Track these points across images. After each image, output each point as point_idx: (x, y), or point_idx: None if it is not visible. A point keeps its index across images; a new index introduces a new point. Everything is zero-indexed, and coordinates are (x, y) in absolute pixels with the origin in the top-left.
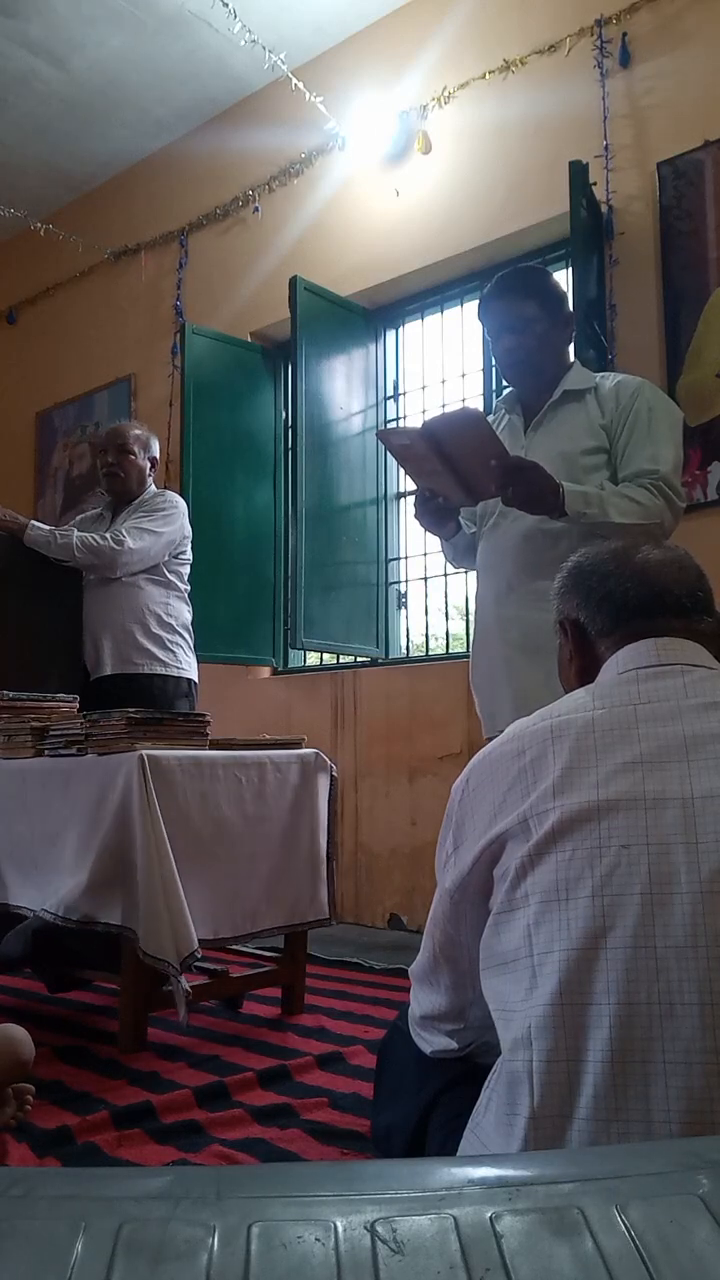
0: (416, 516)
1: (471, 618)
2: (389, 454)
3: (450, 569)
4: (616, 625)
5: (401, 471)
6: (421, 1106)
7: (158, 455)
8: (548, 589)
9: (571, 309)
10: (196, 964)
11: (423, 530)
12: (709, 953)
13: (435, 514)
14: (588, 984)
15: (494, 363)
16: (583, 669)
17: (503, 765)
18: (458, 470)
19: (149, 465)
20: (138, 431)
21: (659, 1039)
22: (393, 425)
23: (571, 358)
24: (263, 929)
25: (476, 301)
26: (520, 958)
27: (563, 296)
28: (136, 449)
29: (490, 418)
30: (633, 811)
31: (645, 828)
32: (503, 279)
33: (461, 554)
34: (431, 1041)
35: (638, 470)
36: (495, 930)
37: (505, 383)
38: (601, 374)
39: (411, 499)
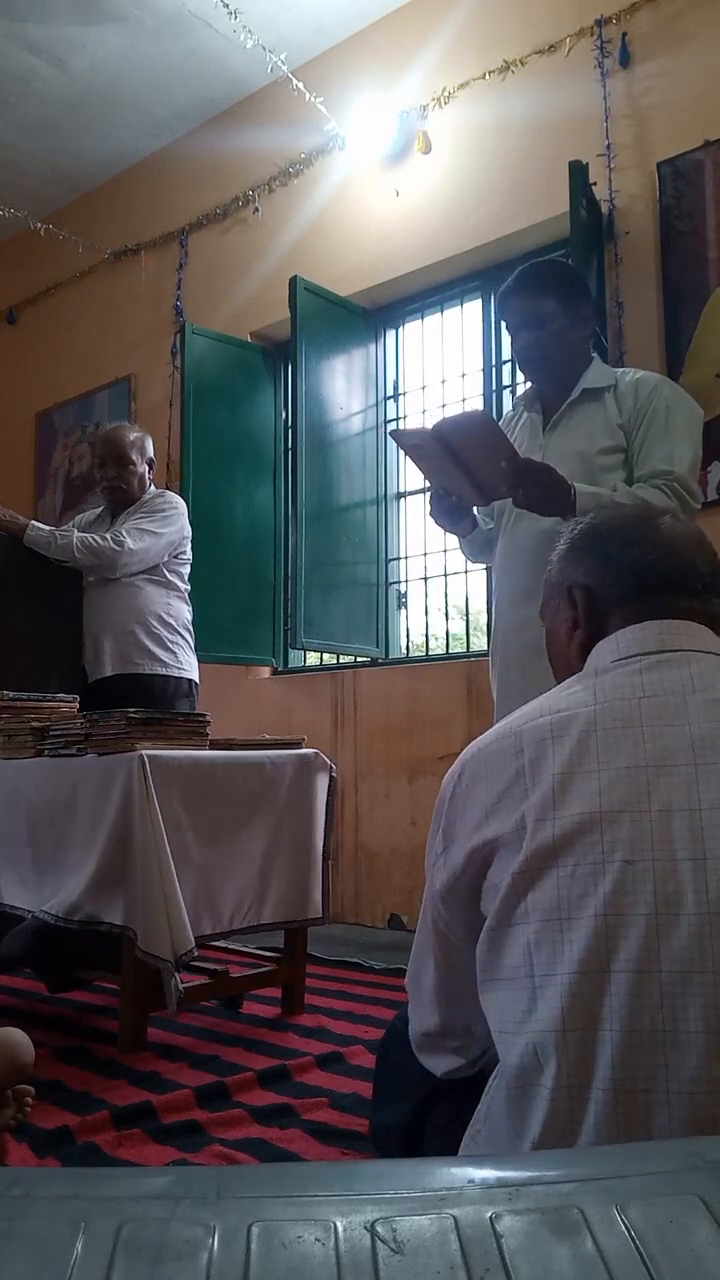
0: (431, 514)
1: (472, 617)
2: (400, 453)
3: (450, 569)
4: (635, 597)
5: (401, 472)
6: (420, 1107)
7: (153, 455)
8: None
9: (593, 305)
10: (196, 964)
11: (430, 529)
12: (716, 978)
13: (450, 512)
14: (590, 1009)
15: (495, 360)
16: (588, 642)
17: (499, 762)
18: (469, 471)
19: (147, 468)
20: (133, 437)
21: (662, 1067)
22: (399, 425)
23: (591, 354)
24: (260, 923)
25: (477, 301)
26: (519, 976)
27: (584, 292)
28: (135, 457)
29: (509, 413)
30: (637, 823)
31: (651, 841)
32: (522, 274)
33: (479, 550)
34: (437, 1063)
35: (652, 470)
36: (491, 945)
37: (522, 378)
38: (622, 370)
39: (412, 499)
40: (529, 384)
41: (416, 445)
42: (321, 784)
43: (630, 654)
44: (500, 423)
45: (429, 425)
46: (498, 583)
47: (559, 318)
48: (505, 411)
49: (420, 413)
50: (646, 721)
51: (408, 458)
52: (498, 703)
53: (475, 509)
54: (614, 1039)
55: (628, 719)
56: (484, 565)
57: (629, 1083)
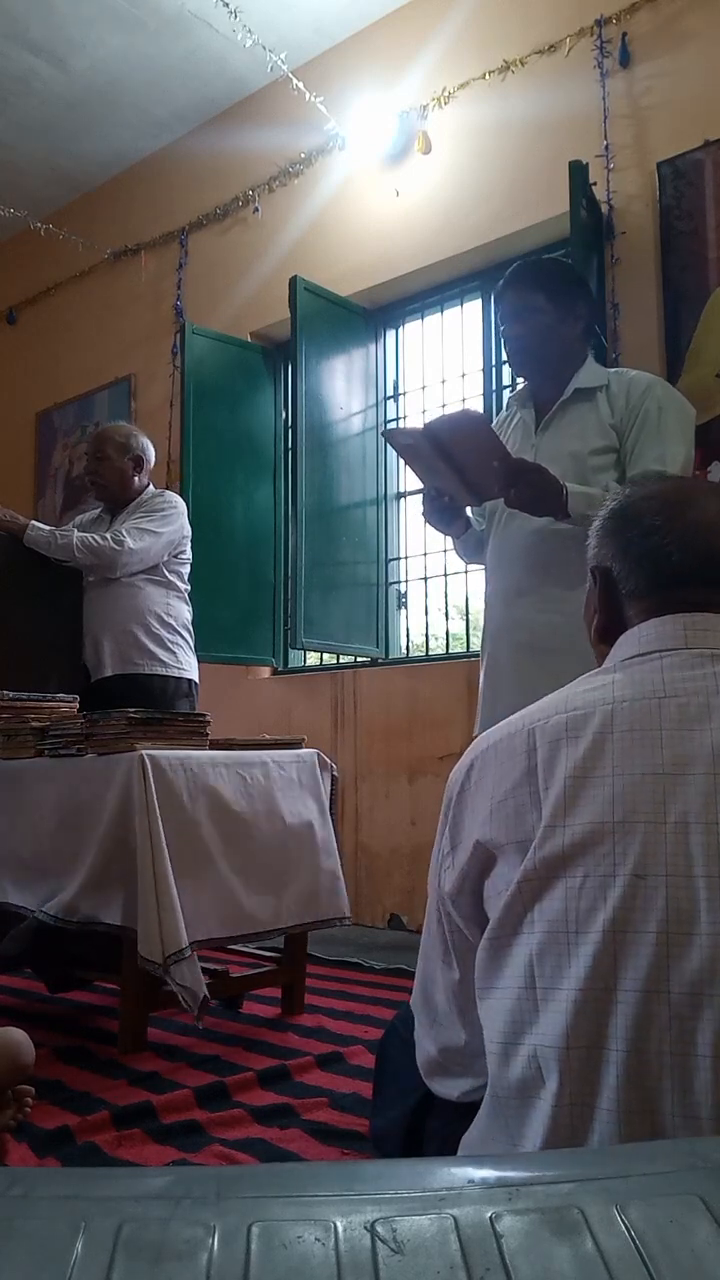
0: (424, 515)
1: (472, 618)
2: (394, 453)
3: (450, 569)
4: (652, 589)
5: (401, 471)
6: (420, 1108)
7: (145, 454)
8: (557, 593)
9: (590, 304)
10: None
11: (428, 528)
12: None
13: (442, 513)
14: (596, 1027)
15: (494, 360)
16: (605, 628)
17: (510, 759)
18: (461, 471)
19: (131, 466)
20: (116, 435)
21: (669, 1091)
22: (397, 425)
23: (586, 353)
24: (266, 930)
25: (477, 301)
26: (518, 987)
27: (578, 291)
28: (112, 452)
29: (502, 414)
30: (651, 836)
31: (665, 855)
32: (516, 269)
33: (472, 551)
34: (453, 1086)
35: (644, 471)
36: (492, 953)
37: (513, 375)
38: (615, 370)
39: (412, 499)
40: (526, 383)
41: (409, 445)
42: (323, 784)
43: (650, 650)
44: (493, 423)
45: (421, 426)
46: (489, 582)
47: (547, 312)
48: (502, 413)
49: (420, 412)
50: (666, 724)
51: (400, 457)
52: (483, 704)
53: (468, 510)
54: (619, 1059)
55: (647, 720)
56: (478, 565)
57: (635, 1104)
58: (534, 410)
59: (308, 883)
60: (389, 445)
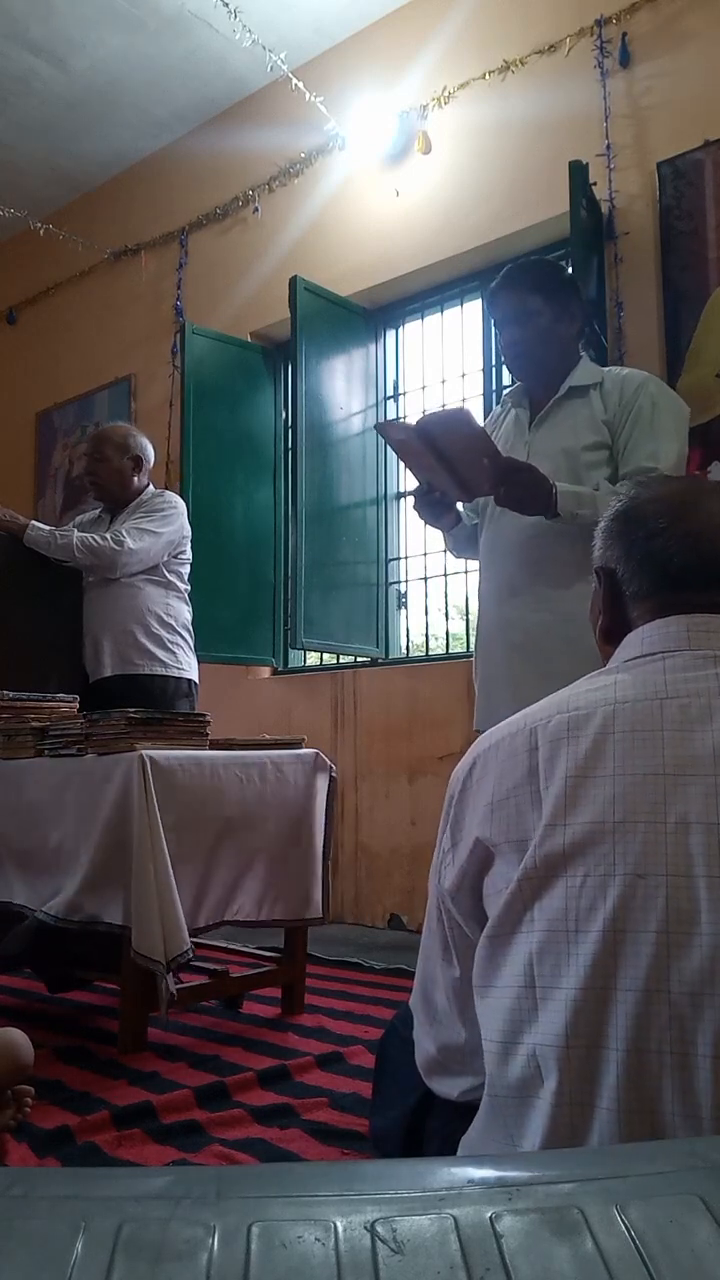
0: (415, 509)
1: (472, 618)
2: (388, 447)
3: (450, 569)
4: (655, 591)
5: (401, 471)
6: (419, 1108)
7: (144, 454)
8: (550, 592)
9: (583, 304)
10: (196, 964)
11: (423, 524)
12: None
13: (433, 507)
14: (595, 1026)
15: (494, 360)
16: (608, 630)
17: (512, 758)
18: (453, 468)
19: (130, 466)
20: (114, 435)
21: (669, 1091)
22: (397, 420)
23: (580, 353)
24: (258, 919)
25: (477, 301)
26: (518, 985)
27: (572, 291)
28: (110, 453)
29: (496, 410)
30: (652, 836)
31: (665, 855)
32: (510, 271)
33: (463, 545)
34: (453, 1085)
35: (636, 468)
36: (491, 952)
37: (511, 376)
38: (609, 368)
39: (412, 499)
40: (521, 382)
41: (401, 440)
42: (321, 784)
43: (653, 651)
44: (487, 419)
45: (413, 423)
46: (482, 578)
47: (544, 314)
48: (495, 409)
49: (420, 413)
50: (668, 725)
51: (393, 452)
52: (479, 706)
53: (459, 504)
54: (619, 1058)
55: (648, 721)
56: (468, 559)
57: (635, 1104)
58: (528, 407)
59: (299, 883)
60: (383, 439)
